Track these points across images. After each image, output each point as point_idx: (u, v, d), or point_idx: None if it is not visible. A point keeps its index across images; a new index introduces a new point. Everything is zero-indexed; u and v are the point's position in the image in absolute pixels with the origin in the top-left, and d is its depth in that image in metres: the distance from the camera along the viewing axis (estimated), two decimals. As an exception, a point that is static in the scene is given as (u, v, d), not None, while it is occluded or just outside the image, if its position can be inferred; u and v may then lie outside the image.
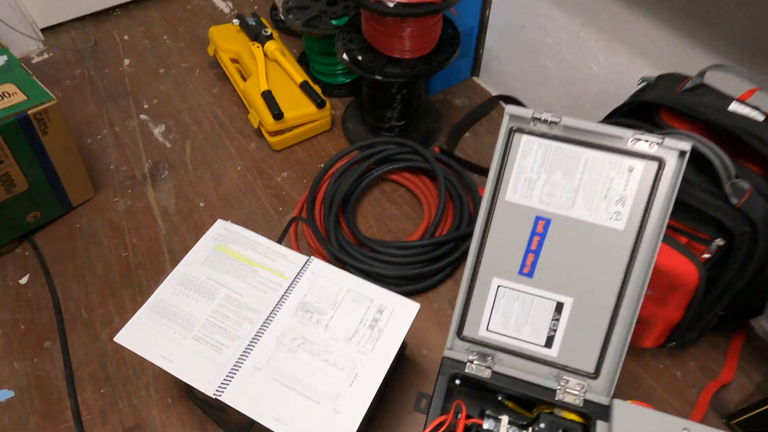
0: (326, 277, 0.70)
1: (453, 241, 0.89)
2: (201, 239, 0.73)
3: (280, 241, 0.76)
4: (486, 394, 0.66)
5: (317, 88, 1.11)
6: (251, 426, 0.60)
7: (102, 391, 0.81)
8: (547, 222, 0.61)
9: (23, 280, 0.93)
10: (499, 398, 0.67)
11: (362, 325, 0.65)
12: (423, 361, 0.82)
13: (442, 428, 0.58)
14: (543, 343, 0.63)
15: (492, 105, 0.91)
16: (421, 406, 0.79)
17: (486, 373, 0.63)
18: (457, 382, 0.63)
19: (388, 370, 0.61)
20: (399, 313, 0.67)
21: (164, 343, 0.64)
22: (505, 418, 0.63)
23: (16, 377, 0.82)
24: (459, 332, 0.65)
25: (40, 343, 0.86)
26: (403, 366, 0.81)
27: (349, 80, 1.21)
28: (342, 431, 0.57)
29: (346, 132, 1.13)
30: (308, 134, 1.12)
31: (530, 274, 0.62)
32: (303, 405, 0.59)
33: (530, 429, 0.62)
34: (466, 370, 0.63)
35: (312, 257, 0.72)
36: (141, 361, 0.83)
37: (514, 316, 0.63)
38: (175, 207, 1.02)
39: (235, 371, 0.62)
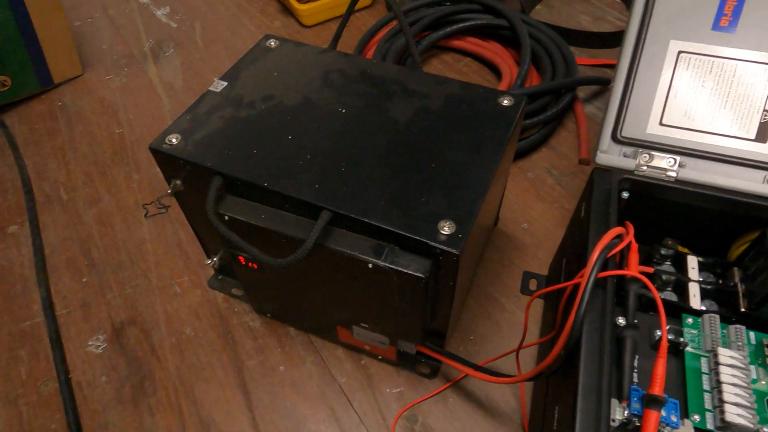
0: None
1: (549, 94, 0.68)
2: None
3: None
4: (642, 246, 0.44)
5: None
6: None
7: (84, 280, 0.59)
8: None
9: (-15, 162, 0.71)
10: (669, 242, 0.46)
11: None
12: (523, 235, 0.60)
13: (615, 249, 0.36)
14: (753, 136, 0.41)
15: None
16: (530, 288, 0.57)
17: (669, 176, 0.41)
18: (624, 195, 0.41)
19: None
20: None
21: None
22: (692, 259, 0.42)
23: (-33, 268, 0.60)
24: (615, 133, 0.43)
25: (1, 228, 0.64)
26: (496, 242, 0.59)
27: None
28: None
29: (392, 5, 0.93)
30: (345, 8, 0.91)
31: (732, 27, 0.41)
32: None
33: (735, 269, 0.41)
34: (639, 171, 0.41)
35: None
36: (140, 243, 0.61)
37: (703, 100, 0.42)
38: (182, 82, 0.81)
39: None
